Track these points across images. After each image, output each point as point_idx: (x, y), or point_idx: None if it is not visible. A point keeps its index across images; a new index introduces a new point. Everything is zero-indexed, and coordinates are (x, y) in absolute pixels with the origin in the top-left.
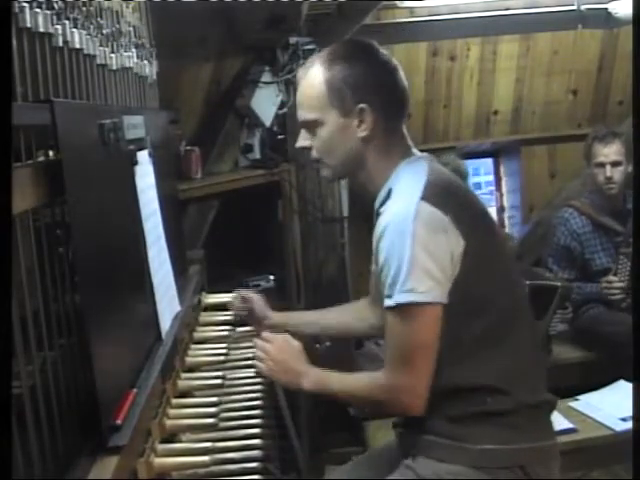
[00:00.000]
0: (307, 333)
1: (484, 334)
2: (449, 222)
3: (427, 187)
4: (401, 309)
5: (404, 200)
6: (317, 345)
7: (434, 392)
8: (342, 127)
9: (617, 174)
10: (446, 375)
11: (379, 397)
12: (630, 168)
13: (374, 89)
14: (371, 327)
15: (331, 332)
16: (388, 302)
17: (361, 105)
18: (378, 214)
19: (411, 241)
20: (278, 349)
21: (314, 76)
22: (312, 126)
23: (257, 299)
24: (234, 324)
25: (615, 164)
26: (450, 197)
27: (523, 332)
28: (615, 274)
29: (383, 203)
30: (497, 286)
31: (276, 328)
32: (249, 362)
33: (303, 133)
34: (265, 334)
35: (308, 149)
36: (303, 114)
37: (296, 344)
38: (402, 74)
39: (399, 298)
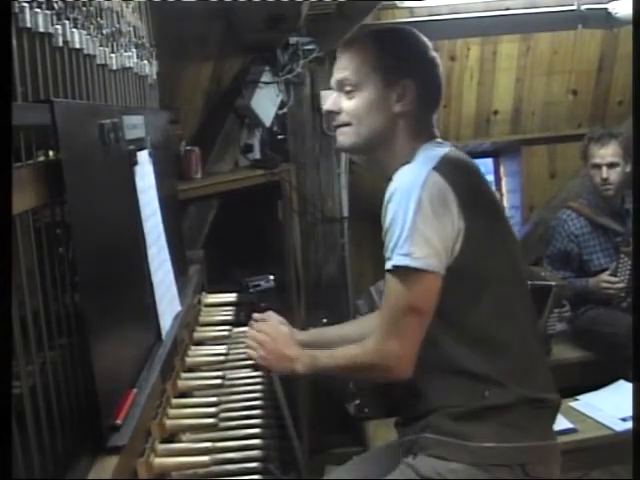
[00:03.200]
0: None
1: (484, 321)
2: (454, 199)
3: (442, 160)
4: (398, 272)
5: (416, 167)
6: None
7: (435, 376)
8: (381, 97)
9: (613, 175)
10: (447, 357)
11: (366, 361)
12: (628, 168)
13: (419, 71)
14: None
15: None
16: (387, 264)
17: (406, 80)
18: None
19: (415, 206)
20: (269, 337)
21: (366, 44)
22: (350, 88)
23: (278, 321)
24: (234, 324)
25: (611, 165)
26: (462, 177)
27: (524, 325)
28: (615, 274)
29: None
30: (499, 273)
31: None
32: (249, 362)
33: (334, 97)
34: (256, 324)
35: (336, 113)
36: (344, 74)
37: (286, 330)
38: (442, 71)
39: (396, 260)
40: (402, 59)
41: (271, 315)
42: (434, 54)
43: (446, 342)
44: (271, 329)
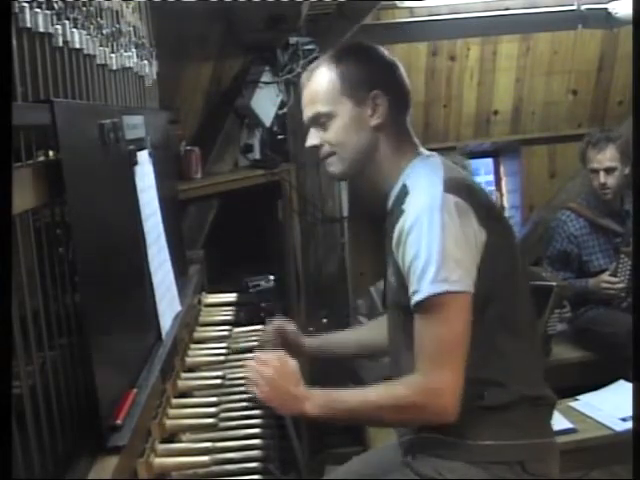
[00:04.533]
0: (342, 354)
1: (488, 325)
2: (472, 214)
3: (447, 181)
4: (433, 301)
5: (427, 193)
6: (310, 329)
7: None
8: (355, 116)
9: (611, 180)
10: None
11: (414, 402)
12: (627, 170)
13: (385, 80)
14: None
15: (367, 352)
16: (418, 296)
17: (374, 92)
18: (392, 212)
19: (440, 232)
20: (273, 371)
21: (324, 72)
22: (324, 120)
23: (289, 327)
24: (234, 324)
25: (608, 170)
26: (468, 191)
27: (524, 327)
28: (615, 274)
29: (398, 199)
30: (506, 279)
31: (312, 354)
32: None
33: (312, 132)
34: (258, 354)
35: (318, 147)
36: (314, 109)
37: (293, 364)
38: (403, 71)
39: (432, 289)
40: (365, 73)
41: (278, 323)
42: (392, 59)
43: None
44: (276, 361)
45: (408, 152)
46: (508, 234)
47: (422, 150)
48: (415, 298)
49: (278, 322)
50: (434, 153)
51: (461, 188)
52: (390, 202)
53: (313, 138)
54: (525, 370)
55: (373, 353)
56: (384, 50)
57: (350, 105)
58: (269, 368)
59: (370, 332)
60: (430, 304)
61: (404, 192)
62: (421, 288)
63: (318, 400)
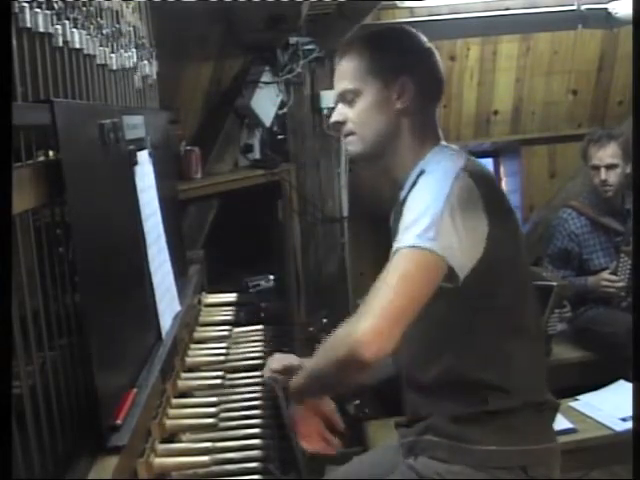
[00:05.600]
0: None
1: (492, 326)
2: (480, 202)
3: (467, 165)
4: (416, 253)
5: (445, 166)
6: (310, 329)
7: (437, 385)
8: (381, 98)
9: (612, 177)
10: (451, 365)
11: (341, 338)
12: (629, 169)
13: (417, 65)
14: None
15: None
16: (403, 241)
17: (403, 77)
18: (404, 200)
19: (445, 199)
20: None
21: (357, 51)
22: (351, 97)
23: (294, 361)
24: (234, 324)
25: (610, 167)
26: (486, 182)
27: (528, 331)
28: (615, 273)
29: (414, 184)
30: (510, 276)
31: None
32: (249, 362)
33: (339, 108)
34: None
35: (342, 124)
36: (342, 85)
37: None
38: (439, 58)
39: (419, 241)
40: (396, 57)
41: (283, 358)
42: (428, 45)
43: (451, 352)
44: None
45: (430, 141)
46: (515, 233)
47: (443, 142)
48: (399, 243)
49: (278, 361)
50: (455, 146)
51: (478, 175)
52: (405, 190)
53: (338, 115)
54: (529, 375)
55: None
56: (422, 37)
57: (377, 86)
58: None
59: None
60: (410, 253)
61: (421, 175)
62: (405, 238)
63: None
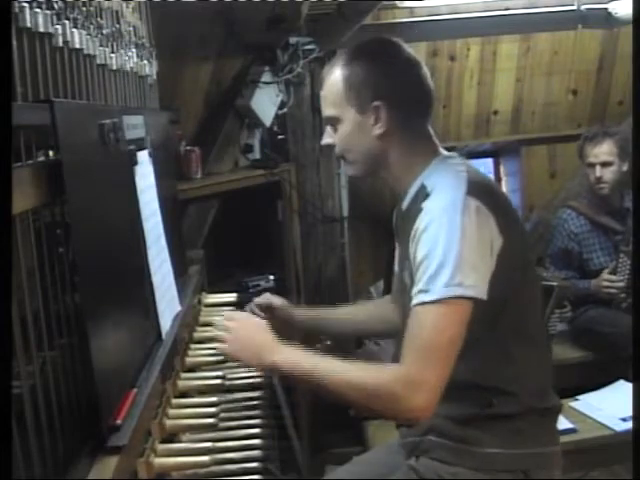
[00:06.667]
0: (337, 332)
1: (501, 333)
2: (492, 219)
3: (470, 183)
4: (443, 303)
5: (449, 194)
6: (318, 345)
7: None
8: (359, 125)
9: (607, 174)
10: (456, 368)
11: (392, 389)
12: (625, 167)
13: (393, 86)
14: (393, 328)
15: (362, 332)
16: (428, 297)
17: (376, 103)
18: (409, 211)
19: (460, 235)
20: (240, 325)
21: (335, 74)
22: (333, 123)
23: (276, 301)
24: None
25: (605, 164)
26: (491, 195)
27: (535, 335)
28: (614, 273)
29: (417, 198)
30: (520, 286)
31: (304, 329)
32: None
33: (327, 131)
34: (228, 313)
35: (332, 146)
36: (325, 111)
37: (259, 320)
38: (426, 72)
39: (446, 292)
40: (372, 81)
41: (269, 296)
42: (412, 57)
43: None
44: (243, 317)
45: (425, 154)
46: (523, 240)
47: (442, 151)
48: (424, 298)
49: (264, 297)
50: (454, 154)
51: (484, 192)
52: (407, 202)
53: (327, 138)
54: (535, 380)
55: (369, 334)
56: (405, 48)
57: (353, 112)
58: (235, 323)
59: (366, 312)
60: (438, 305)
61: (424, 192)
62: (433, 289)
63: (289, 355)
